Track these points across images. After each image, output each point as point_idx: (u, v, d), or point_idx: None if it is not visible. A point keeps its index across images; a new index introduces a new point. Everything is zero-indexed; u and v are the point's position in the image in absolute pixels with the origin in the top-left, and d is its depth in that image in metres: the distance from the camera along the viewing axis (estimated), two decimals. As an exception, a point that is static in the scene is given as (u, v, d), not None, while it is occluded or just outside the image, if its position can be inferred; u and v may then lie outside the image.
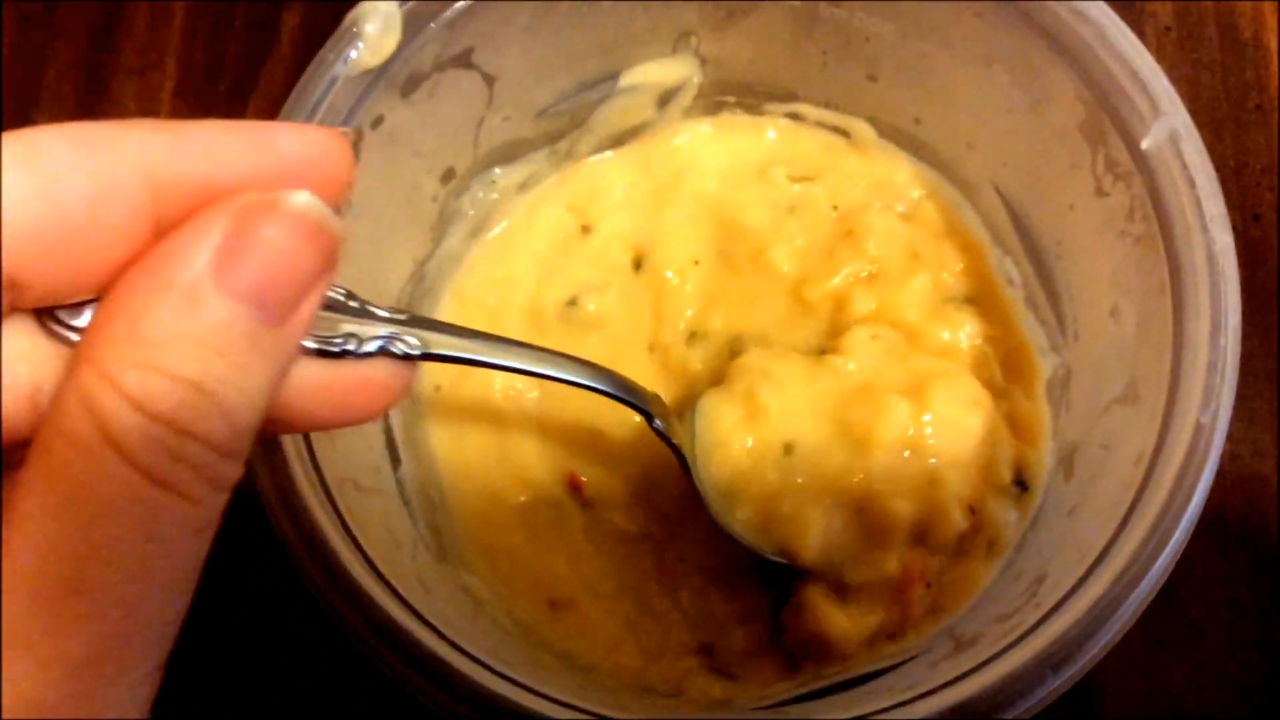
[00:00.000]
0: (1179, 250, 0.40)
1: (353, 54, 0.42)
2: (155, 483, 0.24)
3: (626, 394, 0.43)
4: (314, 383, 0.29)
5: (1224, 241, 0.40)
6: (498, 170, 0.53)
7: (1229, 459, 0.55)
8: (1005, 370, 0.50)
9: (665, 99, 0.55)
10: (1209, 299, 0.39)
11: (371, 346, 0.31)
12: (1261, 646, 0.51)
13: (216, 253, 0.25)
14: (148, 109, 0.62)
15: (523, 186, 0.54)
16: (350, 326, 0.31)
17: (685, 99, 0.55)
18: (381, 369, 0.31)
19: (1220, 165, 0.61)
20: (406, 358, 0.32)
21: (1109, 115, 0.43)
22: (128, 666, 0.25)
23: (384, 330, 0.31)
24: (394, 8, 0.43)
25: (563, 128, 0.54)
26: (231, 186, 0.27)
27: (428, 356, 0.33)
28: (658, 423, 0.45)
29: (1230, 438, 0.56)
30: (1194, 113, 0.62)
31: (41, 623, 0.23)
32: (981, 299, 0.51)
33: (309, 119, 0.41)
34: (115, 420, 0.24)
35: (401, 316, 0.32)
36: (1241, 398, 0.56)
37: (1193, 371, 0.38)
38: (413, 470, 0.49)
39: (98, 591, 0.24)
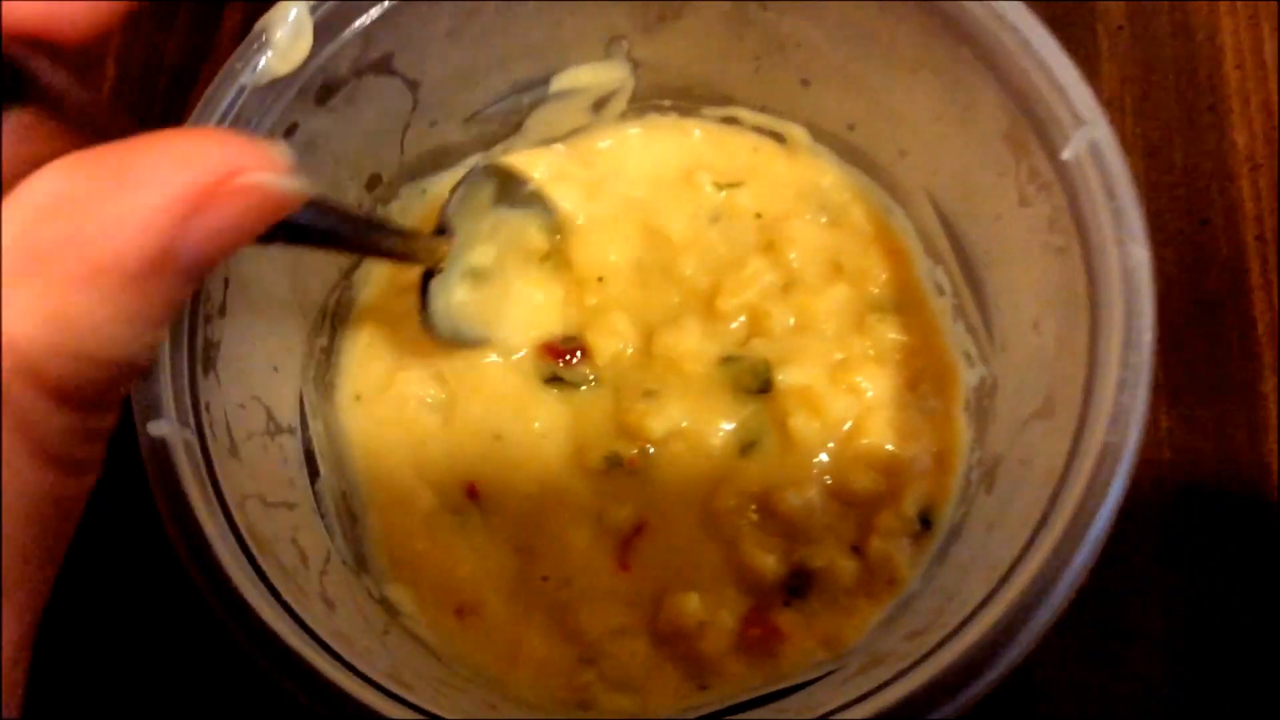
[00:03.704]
0: (1095, 264, 0.39)
1: (261, 62, 0.42)
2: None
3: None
4: None
5: (1140, 256, 0.39)
6: (429, 177, 0.53)
7: (1169, 468, 0.55)
8: (926, 382, 0.49)
9: (600, 103, 0.54)
10: (1123, 315, 0.38)
11: None
12: (1193, 660, 0.51)
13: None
14: (88, 109, 0.61)
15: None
16: None
17: (620, 103, 0.54)
18: None
19: (1170, 168, 0.61)
20: None
21: (1031, 124, 0.42)
22: None
23: None
24: (305, 14, 0.42)
25: (496, 133, 0.53)
26: None
27: None
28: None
29: (1171, 446, 0.55)
30: (1145, 114, 0.62)
31: None
32: (907, 307, 0.51)
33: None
34: None
35: None
36: (1183, 404, 0.56)
37: (1103, 389, 0.38)
38: (332, 482, 0.48)
39: None
